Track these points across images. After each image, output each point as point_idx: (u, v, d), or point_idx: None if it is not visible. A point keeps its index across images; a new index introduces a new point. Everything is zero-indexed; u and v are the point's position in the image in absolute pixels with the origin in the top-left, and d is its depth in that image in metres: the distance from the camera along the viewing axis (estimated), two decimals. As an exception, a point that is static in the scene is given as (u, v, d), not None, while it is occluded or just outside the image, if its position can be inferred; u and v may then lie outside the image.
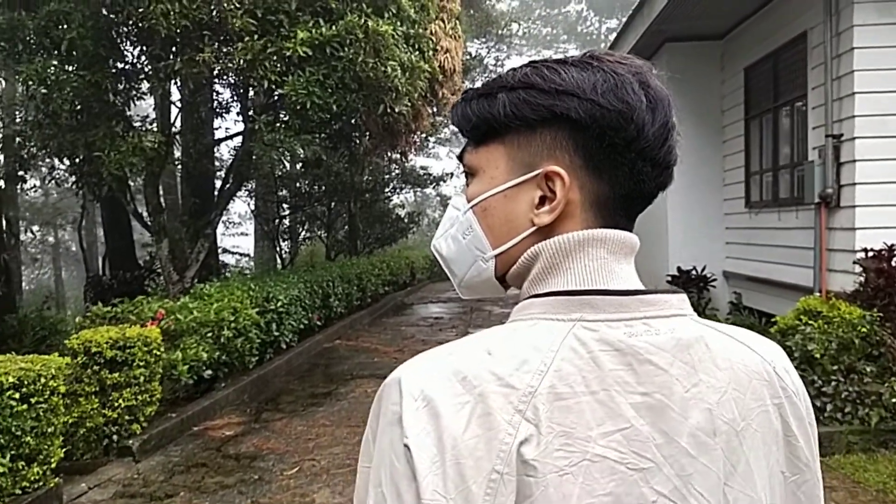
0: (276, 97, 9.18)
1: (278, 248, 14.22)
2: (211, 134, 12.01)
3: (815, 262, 5.93)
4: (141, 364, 5.05)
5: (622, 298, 0.68)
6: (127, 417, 5.01)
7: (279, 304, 7.80)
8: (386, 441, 0.64)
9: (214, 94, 11.83)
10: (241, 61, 7.77)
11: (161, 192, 19.53)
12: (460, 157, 0.81)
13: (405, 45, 8.59)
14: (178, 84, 9.36)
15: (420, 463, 0.60)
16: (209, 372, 6.05)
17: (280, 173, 13.65)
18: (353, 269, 12.06)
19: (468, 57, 14.99)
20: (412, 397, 0.64)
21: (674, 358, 0.67)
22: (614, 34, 32.71)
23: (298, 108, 8.15)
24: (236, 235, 14.43)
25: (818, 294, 5.88)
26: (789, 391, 0.73)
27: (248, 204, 14.04)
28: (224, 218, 26.77)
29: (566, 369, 0.64)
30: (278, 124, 8.20)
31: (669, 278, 8.26)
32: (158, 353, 5.27)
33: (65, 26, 7.44)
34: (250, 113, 9.68)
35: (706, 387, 0.67)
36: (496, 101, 0.73)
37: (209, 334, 6.11)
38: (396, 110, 8.32)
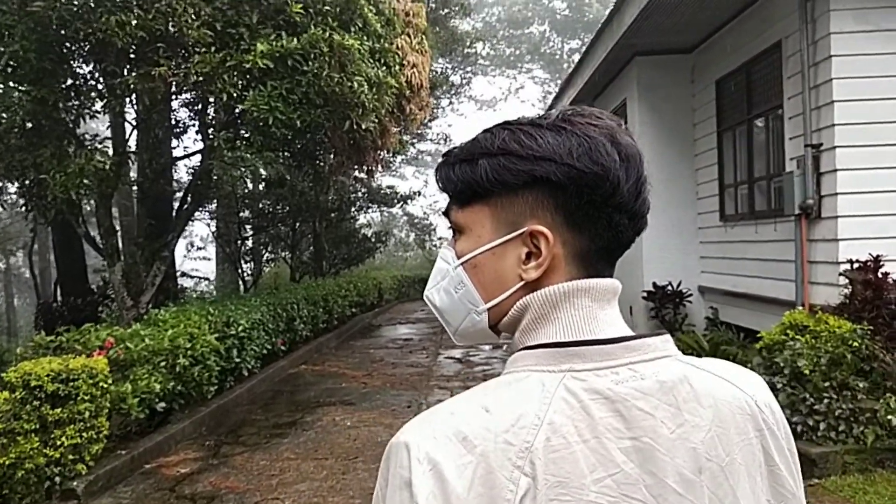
0: (236, 114, 8.83)
1: (240, 271, 13.72)
2: (168, 153, 11.56)
3: (797, 275, 5.78)
4: (86, 398, 4.62)
5: (608, 347, 0.72)
6: (71, 457, 4.57)
7: (240, 328, 7.39)
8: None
9: (172, 112, 11.44)
10: (199, 75, 7.42)
11: (116, 214, 18.82)
12: (446, 214, 0.85)
13: (371, 60, 8.33)
14: (134, 101, 8.96)
15: None
16: (162, 404, 5.61)
17: (242, 193, 13.21)
18: (319, 291, 11.66)
19: (435, 73, 14.83)
20: (418, 461, 0.67)
21: (658, 401, 0.71)
22: (577, 55, 33.06)
23: (261, 124, 7.82)
24: (197, 259, 13.92)
25: (801, 308, 5.72)
26: (770, 423, 0.77)
27: (209, 226, 13.54)
28: (186, 241, 26.07)
29: (559, 421, 0.68)
30: (238, 142, 7.83)
31: (645, 294, 8.07)
32: (105, 385, 4.84)
33: (5, 39, 7.00)
34: (210, 130, 9.29)
35: (690, 426, 0.71)
36: (478, 167, 0.77)
37: (162, 363, 5.68)
38: (363, 126, 8.03)
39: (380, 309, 17.53)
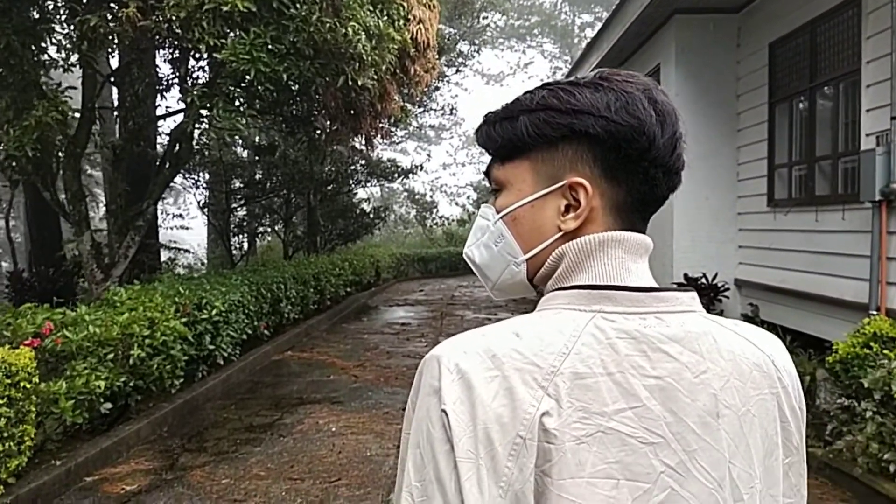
0: (218, 68, 7.83)
1: (228, 245, 12.75)
2: (150, 112, 10.52)
3: (872, 274, 4.83)
4: (1, 402, 3.69)
5: (638, 294, 0.76)
6: (-20, 475, 3.66)
7: (214, 311, 6.45)
8: (423, 410, 0.71)
9: (155, 68, 10.42)
10: (174, 20, 6.40)
11: (101, 179, 17.67)
12: (487, 174, 0.89)
13: (371, 8, 7.29)
14: (109, 51, 7.94)
15: (455, 426, 0.68)
16: (108, 405, 4.69)
17: (230, 160, 12.20)
18: (310, 269, 10.70)
19: (442, 38, 13.73)
20: (448, 371, 0.71)
21: (683, 348, 0.75)
22: (589, 29, 31.73)
23: (242, 78, 6.81)
24: (176, 229, 12.91)
25: (875, 312, 4.79)
26: (785, 382, 0.81)
27: (194, 195, 12.57)
28: (179, 210, 25.07)
29: (586, 352, 0.72)
30: (216, 98, 6.81)
31: (675, 287, 7.11)
32: (29, 385, 3.91)
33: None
34: (192, 86, 8.25)
35: (712, 374, 0.75)
36: (518, 124, 0.81)
37: (110, 356, 4.74)
38: (360, 83, 7.02)
39: (377, 288, 16.60)
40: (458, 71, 19.55)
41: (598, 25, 10.02)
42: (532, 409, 0.69)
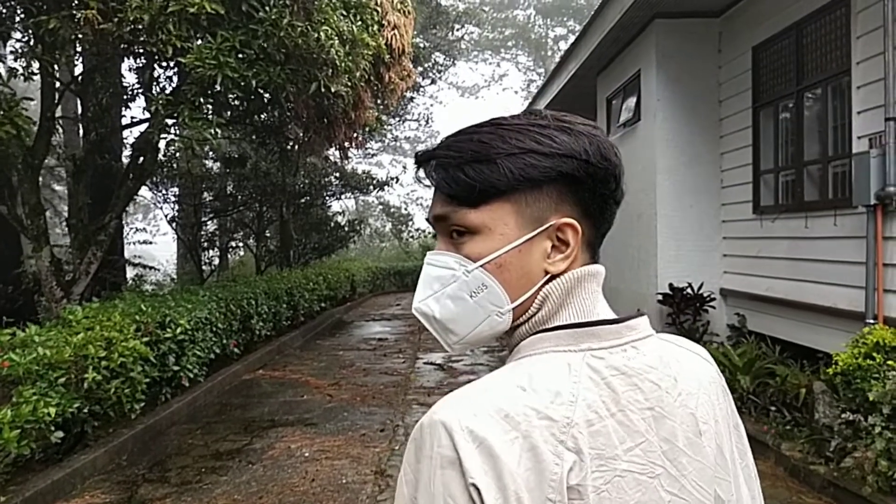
0: (185, 74, 7.50)
1: (197, 260, 12.31)
2: (116, 124, 10.12)
3: (868, 281, 4.66)
4: (-67, 434, 3.32)
5: (615, 327, 0.78)
6: None
7: (179, 330, 6.08)
8: (438, 485, 0.65)
9: (120, 78, 10.05)
10: (137, 23, 6.08)
11: (65, 193, 17.03)
12: (439, 219, 0.82)
13: (345, 13, 7.04)
14: (59, 52, 7.56)
15: (488, 500, 0.64)
16: (59, 434, 4.30)
17: (199, 173, 11.80)
18: (282, 284, 10.34)
19: (418, 48, 13.52)
20: (464, 439, 0.66)
21: (662, 374, 0.77)
22: (563, 42, 31.85)
23: (208, 85, 6.49)
24: (138, 244, 12.40)
25: (872, 321, 4.60)
26: (725, 387, 0.86)
27: (161, 209, 12.10)
28: (148, 225, 24.40)
29: (590, 397, 0.72)
30: (182, 106, 6.48)
31: (660, 297, 6.92)
32: (-34, 415, 3.53)
33: None
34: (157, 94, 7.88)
35: (686, 395, 0.78)
36: (499, 167, 0.77)
37: (62, 379, 4.37)
38: (333, 90, 6.74)
39: (352, 303, 16.24)
40: (433, 82, 19.37)
41: (572, 38, 9.87)
42: (557, 468, 0.67)
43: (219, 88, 6.72)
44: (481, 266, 0.79)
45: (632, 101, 7.77)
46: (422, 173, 0.84)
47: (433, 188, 0.84)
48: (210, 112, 6.82)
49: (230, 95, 7.81)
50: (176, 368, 6.17)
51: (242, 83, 6.36)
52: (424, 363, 8.63)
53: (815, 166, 5.58)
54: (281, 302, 9.93)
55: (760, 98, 6.34)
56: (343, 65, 6.72)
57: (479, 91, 35.17)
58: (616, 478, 0.69)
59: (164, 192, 12.15)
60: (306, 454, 5.02)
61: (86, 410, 4.63)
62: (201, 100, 6.45)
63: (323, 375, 7.93)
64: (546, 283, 0.79)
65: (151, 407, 5.98)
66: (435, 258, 0.83)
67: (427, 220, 0.89)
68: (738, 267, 6.81)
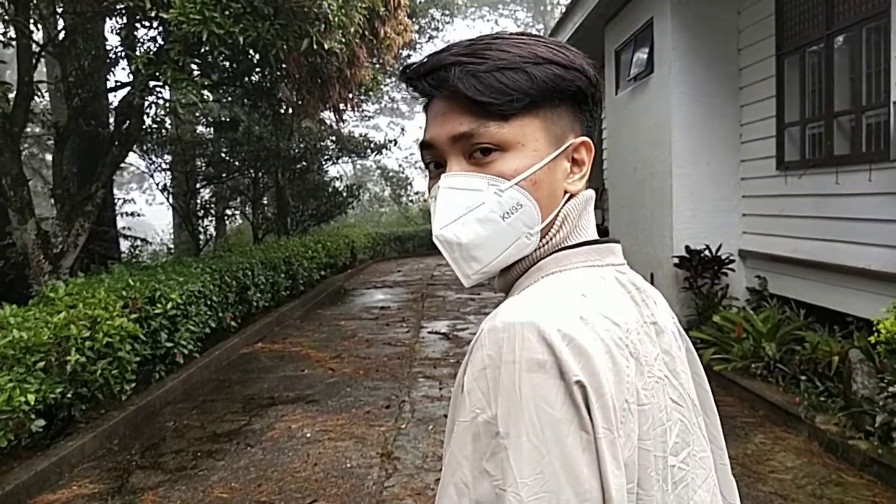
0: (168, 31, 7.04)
1: (192, 229, 11.93)
2: (101, 89, 9.65)
3: (910, 241, 4.30)
4: None
5: (617, 245, 0.82)
6: None
7: (170, 305, 5.75)
8: (527, 391, 0.62)
9: (104, 41, 9.57)
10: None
11: (43, 161, 16.57)
12: (463, 136, 0.76)
13: (336, -38, 6.54)
14: (32, 10, 7.09)
15: (592, 400, 0.63)
16: (41, 422, 4.00)
17: (190, 138, 11.35)
18: (280, 253, 10.00)
19: (416, 1, 12.92)
20: (557, 338, 0.64)
21: (649, 293, 0.82)
22: (563, -4, 30.80)
23: (193, 42, 6.04)
24: (126, 215, 11.97)
25: (913, 284, 4.27)
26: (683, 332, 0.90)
27: (152, 177, 11.67)
28: (144, 194, 23.86)
29: (627, 308, 0.75)
30: (165, 66, 6.04)
31: (677, 260, 6.58)
32: (-69, 408, 3.22)
33: None
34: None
35: (662, 313, 0.82)
36: (529, 75, 0.74)
37: (41, 363, 4.05)
38: (326, 47, 6.29)
39: (353, 270, 15.92)
40: (430, 39, 18.71)
41: None
42: (628, 370, 0.69)
43: (206, 48, 6.29)
44: (517, 184, 0.76)
45: (644, 52, 7.31)
46: (426, 83, 0.78)
47: (445, 102, 0.77)
48: (196, 72, 6.36)
49: (217, 55, 7.35)
50: (169, 345, 5.87)
51: (229, 40, 5.92)
52: (429, 332, 8.34)
53: (846, 117, 5.17)
54: (279, 271, 9.60)
55: (785, 45, 5.89)
56: (336, 19, 6.27)
57: (476, 50, 34.30)
58: (653, 381, 0.73)
59: (154, 159, 11.72)
60: (308, 435, 4.74)
61: (70, 395, 4.32)
62: (185, 59, 5.99)
63: (324, 348, 7.64)
64: (566, 202, 0.79)
65: (145, 386, 5.70)
66: (456, 180, 0.76)
67: (422, 144, 0.82)
68: (758, 227, 6.45)
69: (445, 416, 4.96)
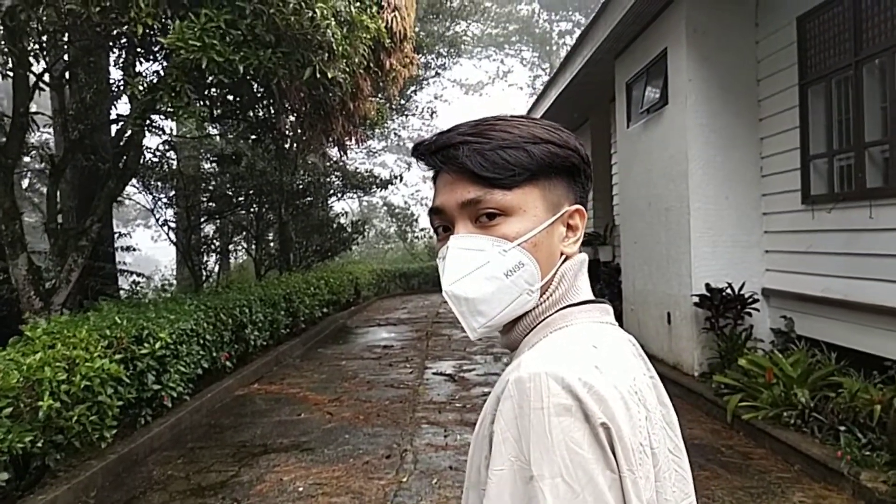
0: (165, 58, 6.86)
1: (192, 265, 11.63)
2: (102, 121, 9.48)
3: (958, 279, 3.94)
4: None
5: (610, 306, 0.90)
6: None
7: (158, 344, 5.41)
8: (557, 434, 0.67)
9: (106, 74, 9.46)
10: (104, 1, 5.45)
11: (42, 195, 16.34)
12: (466, 204, 0.84)
13: (341, -9, 6.36)
14: (28, 40, 6.92)
15: (616, 442, 0.68)
16: (3, 476, 3.63)
17: (191, 173, 11.14)
18: (280, 290, 9.67)
19: (420, 37, 12.82)
20: (579, 385, 0.69)
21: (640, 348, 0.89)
22: (569, 36, 31.12)
23: (190, 68, 5.83)
24: (131, 250, 11.69)
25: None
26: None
27: (153, 211, 11.43)
28: (150, 230, 23.66)
29: (631, 360, 0.82)
30: (161, 92, 5.81)
31: (697, 299, 6.22)
32: None
33: None
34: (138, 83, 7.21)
35: (652, 368, 0.89)
36: (529, 153, 0.83)
37: (7, 409, 3.70)
38: (329, 76, 6.06)
39: (356, 307, 15.57)
40: (437, 74, 18.65)
41: (577, 32, 9.11)
42: (640, 418, 0.74)
43: (207, 76, 6.09)
44: (519, 245, 0.83)
45: (657, 84, 7.07)
46: (437, 160, 0.86)
47: (453, 174, 0.85)
48: (194, 99, 6.12)
49: (217, 84, 7.16)
50: (157, 387, 5.50)
51: (229, 68, 5.71)
52: (433, 373, 7.95)
53: (878, 148, 4.86)
54: (279, 309, 9.26)
55: (809, 74, 5.63)
56: (340, 48, 6.06)
57: (483, 88, 34.44)
58: (658, 430, 0.78)
59: (156, 194, 11.48)
60: (300, 489, 4.34)
61: (41, 444, 3.95)
62: (183, 85, 5.76)
63: (323, 389, 7.25)
64: (562, 263, 0.87)
65: (130, 431, 5.33)
66: (464, 241, 0.84)
67: (432, 210, 0.90)
68: (782, 264, 6.10)
69: (451, 467, 4.56)
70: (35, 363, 4.03)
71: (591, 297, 0.87)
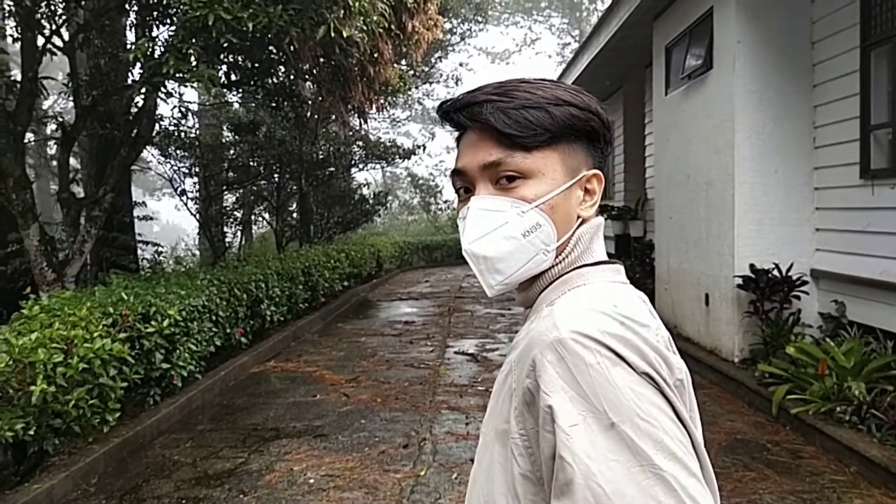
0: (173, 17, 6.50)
1: (210, 237, 11.40)
2: (111, 86, 9.18)
3: None
4: None
5: (622, 266, 0.91)
6: None
7: (166, 322, 5.14)
8: (619, 380, 0.71)
9: (124, 38, 9.15)
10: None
11: (76, 164, 16.34)
12: (488, 165, 0.86)
13: (358, -56, 5.92)
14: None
15: (660, 383, 0.72)
16: (-10, 466, 3.39)
17: (208, 141, 10.84)
18: (298, 263, 9.38)
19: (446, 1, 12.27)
20: (614, 341, 0.73)
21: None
22: (599, 1, 30.05)
23: (196, 27, 5.46)
24: (144, 221, 11.50)
25: None
26: None
27: (171, 181, 11.18)
28: (176, 200, 23.71)
29: (651, 317, 0.82)
30: (167, 54, 5.46)
31: (740, 281, 5.78)
32: None
33: None
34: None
35: None
36: (550, 114, 0.85)
37: (-5, 396, 3.44)
38: (345, 35, 5.65)
39: (378, 280, 15.31)
40: (462, 40, 18.03)
41: None
42: (675, 357, 0.79)
43: (216, 37, 5.72)
44: (537, 206, 0.85)
45: (701, 47, 6.54)
46: (461, 117, 0.88)
47: (476, 134, 0.87)
48: (203, 62, 5.77)
49: (229, 48, 6.79)
50: (165, 366, 5.26)
51: (238, 27, 5.34)
52: (455, 352, 7.63)
53: (956, 116, 4.35)
54: (297, 283, 8.99)
55: (872, 35, 5.08)
56: (357, 4, 5.63)
57: (510, 56, 33.64)
58: (680, 382, 0.79)
59: (175, 163, 11.21)
60: (311, 480, 4.06)
61: (31, 431, 3.70)
62: (188, 45, 5.40)
63: (341, 368, 6.98)
64: (578, 226, 0.89)
65: (138, 412, 5.10)
66: (485, 202, 0.86)
67: (454, 172, 0.92)
68: (835, 244, 5.62)
69: (472, 460, 4.23)
70: (28, 344, 3.76)
71: (604, 258, 0.90)
